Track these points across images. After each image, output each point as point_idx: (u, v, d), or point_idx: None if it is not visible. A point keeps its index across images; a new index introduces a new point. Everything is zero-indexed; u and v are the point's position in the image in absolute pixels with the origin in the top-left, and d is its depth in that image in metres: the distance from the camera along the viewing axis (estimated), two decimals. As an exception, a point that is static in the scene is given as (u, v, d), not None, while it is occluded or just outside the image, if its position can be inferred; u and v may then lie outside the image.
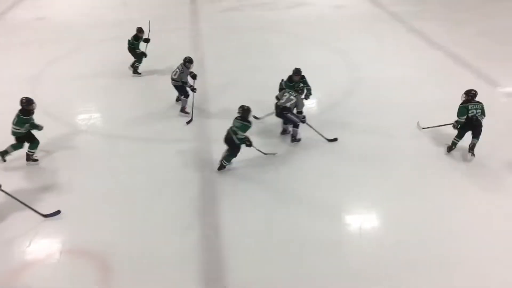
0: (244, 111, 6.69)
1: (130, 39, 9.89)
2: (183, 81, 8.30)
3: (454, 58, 10.92)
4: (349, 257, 5.45)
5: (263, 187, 6.66)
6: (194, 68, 8.47)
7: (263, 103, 8.19)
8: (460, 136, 7.19)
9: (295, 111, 7.46)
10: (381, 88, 9.61)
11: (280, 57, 11.16)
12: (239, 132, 6.60)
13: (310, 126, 7.62)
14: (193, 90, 8.38)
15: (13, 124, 6.81)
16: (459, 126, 7.08)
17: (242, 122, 6.65)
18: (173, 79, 8.36)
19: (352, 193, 6.57)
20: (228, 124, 6.79)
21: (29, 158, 7.12)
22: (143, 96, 9.51)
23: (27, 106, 6.78)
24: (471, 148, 7.04)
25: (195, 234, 5.76)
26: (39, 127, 6.97)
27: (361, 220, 6.04)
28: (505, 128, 8.05)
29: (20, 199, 5.95)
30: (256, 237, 5.74)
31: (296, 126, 7.60)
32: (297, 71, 7.81)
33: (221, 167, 6.89)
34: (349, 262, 5.38)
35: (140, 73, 10.21)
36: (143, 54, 10.03)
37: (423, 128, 7.96)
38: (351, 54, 11.27)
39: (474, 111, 6.94)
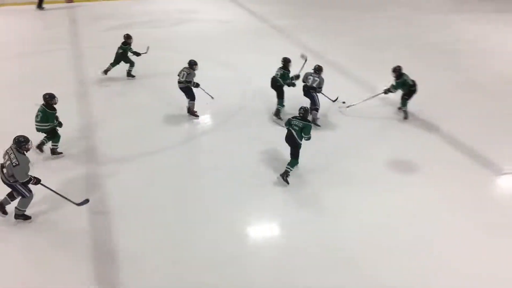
0: (306, 112, 6.92)
1: (120, 48, 10.34)
2: (187, 81, 8.62)
3: (334, 65, 11.67)
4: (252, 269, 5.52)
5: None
6: (77, 90, 8.16)
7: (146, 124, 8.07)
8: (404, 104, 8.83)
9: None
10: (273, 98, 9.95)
11: (168, 75, 11.02)
12: (304, 134, 6.80)
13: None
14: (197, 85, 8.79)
15: (38, 121, 7.24)
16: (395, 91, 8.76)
17: (303, 122, 6.85)
18: (180, 82, 8.69)
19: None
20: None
21: (54, 152, 7.61)
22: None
23: (50, 100, 7.19)
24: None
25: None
26: (61, 124, 7.45)
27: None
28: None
29: (56, 191, 6.22)
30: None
31: (316, 110, 8.57)
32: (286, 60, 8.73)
33: (285, 176, 6.95)
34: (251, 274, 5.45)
35: (134, 76, 10.84)
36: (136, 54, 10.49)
37: (348, 107, 9.24)
38: (240, 67, 11.55)
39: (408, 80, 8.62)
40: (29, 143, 5.85)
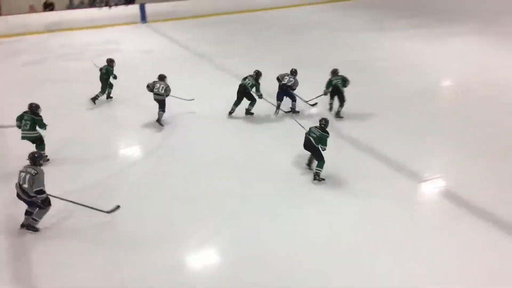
0: (326, 123, 7.44)
1: (103, 68, 10.81)
2: (167, 94, 9.56)
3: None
4: None
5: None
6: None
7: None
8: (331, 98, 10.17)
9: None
10: (198, 124, 9.97)
11: (86, 109, 10.75)
12: (322, 144, 7.33)
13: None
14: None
15: (27, 130, 7.89)
16: (329, 92, 10.04)
17: (321, 132, 7.35)
18: (158, 94, 9.49)
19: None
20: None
21: (44, 159, 7.61)
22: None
23: (36, 109, 7.99)
24: (338, 113, 10.04)
25: None
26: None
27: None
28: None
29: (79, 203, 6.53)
30: None
31: (294, 100, 10.15)
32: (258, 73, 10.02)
33: (317, 177, 7.48)
34: None
35: (112, 97, 11.32)
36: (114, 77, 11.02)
37: (312, 105, 10.46)
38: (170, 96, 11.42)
39: (335, 81, 9.84)
40: (43, 157, 6.55)
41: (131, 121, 10.04)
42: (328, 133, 7.44)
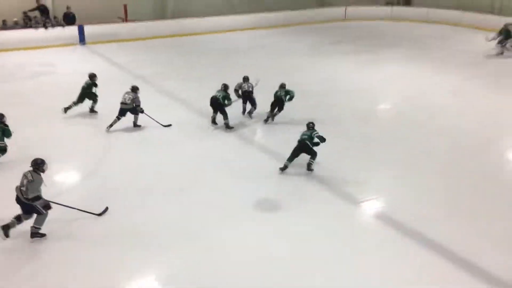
0: (313, 124, 8.87)
1: (85, 84, 11.30)
2: (136, 104, 10.46)
3: (201, 112, 11.85)
4: None
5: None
6: None
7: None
8: (272, 110, 11.08)
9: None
10: (146, 149, 9.77)
11: (27, 131, 10.23)
12: (320, 141, 8.66)
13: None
14: (142, 111, 10.62)
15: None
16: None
17: (310, 131, 8.75)
18: (125, 104, 10.40)
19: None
20: None
21: None
22: None
23: (2, 118, 8.70)
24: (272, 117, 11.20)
25: None
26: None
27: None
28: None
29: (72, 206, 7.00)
30: None
31: (255, 108, 11.47)
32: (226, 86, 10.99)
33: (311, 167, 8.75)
34: None
35: (97, 112, 11.66)
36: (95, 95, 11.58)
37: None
38: (106, 120, 11.09)
39: (279, 93, 10.94)
40: (46, 164, 6.53)
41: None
42: (316, 131, 8.71)
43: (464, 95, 13.60)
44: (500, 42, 17.79)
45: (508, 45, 17.79)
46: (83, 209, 7.05)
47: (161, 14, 23.10)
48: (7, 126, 8.70)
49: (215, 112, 10.95)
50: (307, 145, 8.58)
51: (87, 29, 19.62)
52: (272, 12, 24.24)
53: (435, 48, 19.61)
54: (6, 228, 6.37)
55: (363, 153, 9.76)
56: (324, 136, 8.64)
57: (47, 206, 6.49)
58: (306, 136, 8.62)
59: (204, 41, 20.60)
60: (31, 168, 6.39)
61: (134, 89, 10.60)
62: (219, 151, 9.78)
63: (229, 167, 9.07)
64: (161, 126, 10.83)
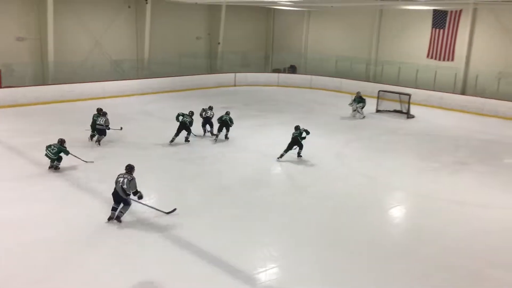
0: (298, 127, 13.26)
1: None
2: (107, 125, 13.82)
3: (74, 183, 10.92)
4: None
5: None
6: None
7: None
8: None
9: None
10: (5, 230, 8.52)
11: None
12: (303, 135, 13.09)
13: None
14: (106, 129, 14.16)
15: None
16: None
17: (299, 130, 13.24)
18: (100, 125, 13.87)
19: None
20: None
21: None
22: None
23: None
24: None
25: None
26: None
27: None
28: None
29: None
30: None
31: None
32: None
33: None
34: None
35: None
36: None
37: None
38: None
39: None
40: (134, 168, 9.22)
41: None
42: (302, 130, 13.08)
43: (345, 159, 14.24)
44: (355, 109, 19.99)
45: (359, 109, 19.88)
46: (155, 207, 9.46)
47: (41, 79, 21.87)
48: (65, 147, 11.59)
49: (178, 133, 14.54)
50: (297, 140, 13.02)
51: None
52: (161, 77, 24.19)
53: (319, 112, 20.70)
54: (112, 218, 9.04)
55: (249, 220, 9.60)
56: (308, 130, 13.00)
57: (141, 197, 9.08)
58: (296, 134, 13.11)
59: (93, 106, 19.55)
60: (125, 171, 9.09)
61: (104, 114, 13.93)
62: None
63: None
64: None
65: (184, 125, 14.58)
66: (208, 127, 15.80)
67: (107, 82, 22.06)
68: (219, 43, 28.59)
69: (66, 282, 7.13)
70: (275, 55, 31.33)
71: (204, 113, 15.68)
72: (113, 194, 8.99)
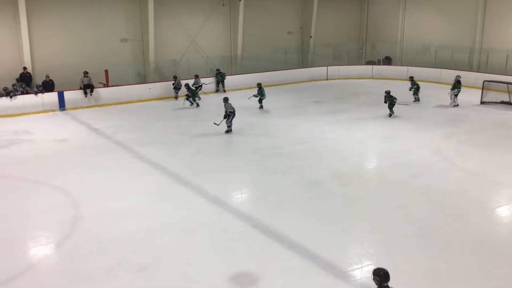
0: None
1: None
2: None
3: (174, 177, 11.48)
4: None
5: None
6: None
7: None
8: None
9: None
10: (110, 221, 9.23)
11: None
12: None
13: None
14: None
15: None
16: None
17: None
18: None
19: None
20: None
21: None
22: None
23: None
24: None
25: None
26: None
27: None
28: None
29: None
30: None
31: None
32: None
33: None
34: None
35: None
36: None
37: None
38: (76, 189, 10.67)
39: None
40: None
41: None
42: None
43: (445, 154, 13.39)
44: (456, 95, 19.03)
45: (452, 95, 19.01)
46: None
47: (142, 78, 23.27)
48: None
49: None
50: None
51: (67, 95, 19.55)
52: (253, 73, 24.52)
53: (415, 105, 19.69)
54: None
55: (344, 216, 9.37)
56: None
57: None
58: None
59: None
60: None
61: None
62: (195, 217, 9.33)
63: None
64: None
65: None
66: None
67: (203, 79, 22.82)
68: (311, 37, 28.41)
69: (167, 270, 7.48)
70: (369, 46, 30.34)
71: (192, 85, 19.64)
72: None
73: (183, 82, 20.84)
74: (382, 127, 16.32)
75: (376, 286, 5.14)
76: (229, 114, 15.18)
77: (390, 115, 17.50)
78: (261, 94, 18.79)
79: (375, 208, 9.79)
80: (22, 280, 7.27)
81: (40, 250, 8.30)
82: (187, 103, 19.60)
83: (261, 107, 19.03)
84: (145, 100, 21.07)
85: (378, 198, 10.32)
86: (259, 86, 18.87)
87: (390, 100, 17.46)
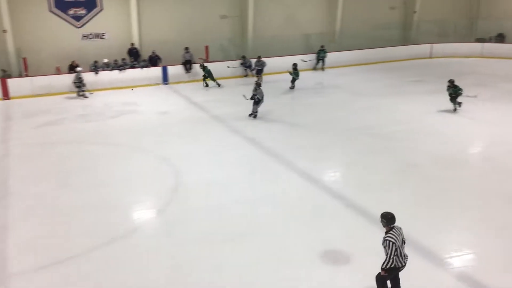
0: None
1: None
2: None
3: (269, 152, 11.67)
4: None
5: None
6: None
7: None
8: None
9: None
10: (211, 190, 9.71)
11: (100, 169, 10.76)
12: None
13: None
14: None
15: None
16: None
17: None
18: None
19: None
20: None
21: None
22: None
23: None
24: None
25: None
26: None
27: None
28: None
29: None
30: None
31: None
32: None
33: None
34: None
35: None
36: None
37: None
38: (177, 159, 11.28)
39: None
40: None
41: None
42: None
43: None
44: None
45: None
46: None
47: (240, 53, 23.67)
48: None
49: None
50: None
51: (171, 70, 20.57)
52: (351, 50, 23.85)
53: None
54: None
55: (443, 202, 8.92)
56: None
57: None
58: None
59: (273, 80, 20.50)
60: None
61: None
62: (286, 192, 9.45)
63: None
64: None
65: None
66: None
67: (295, 56, 22.44)
68: (415, 12, 26.89)
69: (260, 241, 7.69)
70: (480, 22, 28.01)
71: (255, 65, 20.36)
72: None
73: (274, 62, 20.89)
74: (491, 111, 15.12)
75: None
76: (258, 100, 14.51)
77: (455, 110, 14.79)
78: (296, 74, 18.63)
79: (476, 195, 9.22)
80: (126, 241, 7.86)
81: (145, 213, 8.97)
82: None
83: (293, 87, 18.85)
84: (236, 77, 21.49)
85: (479, 185, 9.68)
86: (295, 66, 18.68)
87: (454, 90, 14.64)
